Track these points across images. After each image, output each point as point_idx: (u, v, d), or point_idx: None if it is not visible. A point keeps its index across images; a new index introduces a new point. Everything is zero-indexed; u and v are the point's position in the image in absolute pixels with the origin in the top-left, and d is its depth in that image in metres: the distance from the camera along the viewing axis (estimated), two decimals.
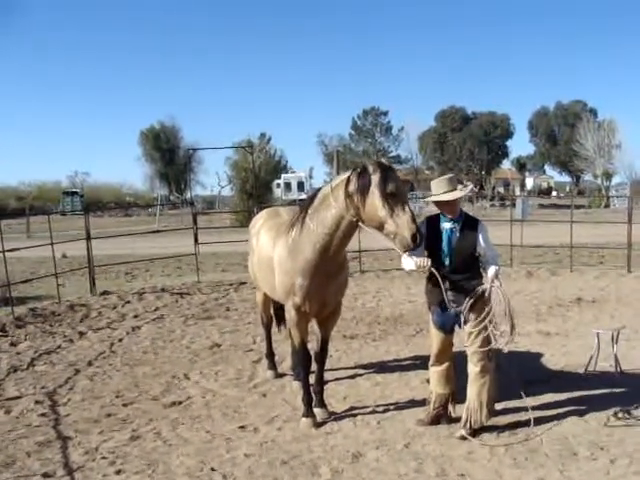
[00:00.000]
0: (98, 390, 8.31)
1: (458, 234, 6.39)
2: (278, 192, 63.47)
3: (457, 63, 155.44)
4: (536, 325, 11.02)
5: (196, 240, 17.77)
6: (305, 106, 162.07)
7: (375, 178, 6.06)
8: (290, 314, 6.97)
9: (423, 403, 7.11)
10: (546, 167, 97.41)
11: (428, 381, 7.08)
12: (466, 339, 6.44)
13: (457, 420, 6.61)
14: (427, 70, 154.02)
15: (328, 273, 6.73)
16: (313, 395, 7.19)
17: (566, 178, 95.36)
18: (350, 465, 5.93)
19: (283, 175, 68.33)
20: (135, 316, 12.86)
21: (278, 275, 6.94)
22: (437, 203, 6.51)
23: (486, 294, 6.25)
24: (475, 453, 6.11)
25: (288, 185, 66.63)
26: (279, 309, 8.76)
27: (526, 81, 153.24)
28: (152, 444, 6.55)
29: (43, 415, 7.43)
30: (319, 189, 6.94)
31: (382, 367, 8.91)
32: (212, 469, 5.93)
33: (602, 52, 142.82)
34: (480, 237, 6.41)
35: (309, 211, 6.67)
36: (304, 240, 6.60)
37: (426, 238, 6.31)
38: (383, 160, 6.54)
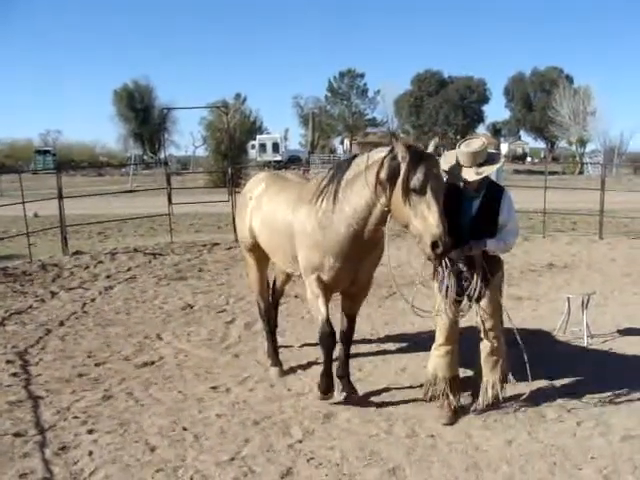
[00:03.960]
0: (70, 350, 8.28)
1: (479, 205, 5.80)
2: (253, 153, 63.27)
3: (434, 26, 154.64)
4: (508, 289, 11.05)
5: (170, 200, 17.65)
6: (281, 67, 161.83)
7: (403, 166, 5.23)
8: (311, 287, 6.17)
9: (394, 364, 7.17)
10: (521, 133, 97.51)
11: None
12: (481, 314, 6.01)
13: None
14: (404, 33, 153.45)
15: (362, 253, 6.00)
16: (335, 379, 6.56)
17: (541, 144, 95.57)
18: (321, 425, 5.97)
19: (258, 136, 68.11)
20: (107, 276, 12.79)
21: (302, 248, 6.14)
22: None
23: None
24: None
25: (263, 146, 66.48)
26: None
27: (503, 46, 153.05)
28: (124, 404, 6.55)
29: (14, 375, 7.38)
30: (355, 156, 6.06)
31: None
32: (184, 429, 5.95)
33: (579, 19, 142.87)
34: (503, 208, 5.84)
35: (342, 183, 5.81)
36: (337, 217, 5.80)
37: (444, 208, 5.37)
38: (434, 142, 5.58)
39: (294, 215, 6.24)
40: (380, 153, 5.58)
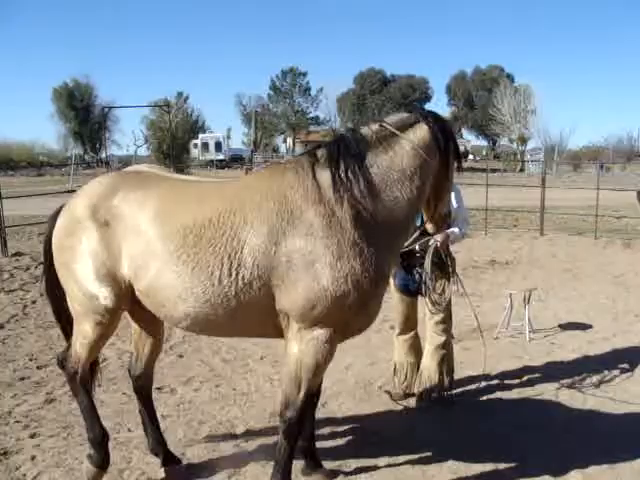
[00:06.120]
0: (11, 353, 8.14)
1: None
2: (195, 152, 62.93)
3: (377, 25, 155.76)
4: (449, 286, 11.21)
5: None
6: (224, 66, 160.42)
7: (452, 141, 4.31)
8: (320, 348, 4.05)
9: (339, 363, 7.20)
10: (463, 131, 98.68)
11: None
12: (429, 307, 6.13)
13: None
14: (346, 32, 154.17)
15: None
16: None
17: (483, 142, 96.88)
18: (268, 425, 5.97)
19: (201, 135, 67.77)
20: None
21: (312, 288, 3.88)
22: None
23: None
24: (390, 411, 6.25)
25: (206, 145, 66.19)
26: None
27: (445, 45, 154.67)
28: (67, 407, 6.46)
29: None
30: (351, 130, 4.59)
31: None
32: (129, 430, 5.91)
33: (519, 18, 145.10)
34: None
35: (373, 163, 4.21)
36: (379, 217, 4.06)
37: None
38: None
39: (282, 233, 3.95)
40: (402, 115, 4.47)
